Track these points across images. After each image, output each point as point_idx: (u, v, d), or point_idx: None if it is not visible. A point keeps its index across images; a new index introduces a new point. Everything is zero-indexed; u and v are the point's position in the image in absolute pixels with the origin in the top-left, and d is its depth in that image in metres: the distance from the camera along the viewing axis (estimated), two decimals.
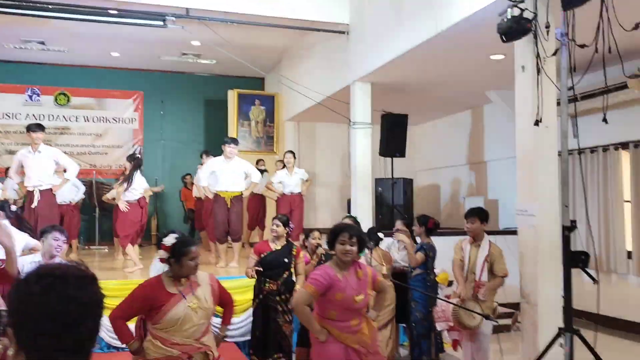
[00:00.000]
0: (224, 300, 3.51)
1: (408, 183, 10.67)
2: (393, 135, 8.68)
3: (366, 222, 7.74)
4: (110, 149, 11.82)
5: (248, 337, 5.80)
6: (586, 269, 3.90)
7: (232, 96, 11.28)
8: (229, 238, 7.46)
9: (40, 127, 6.83)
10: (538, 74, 4.51)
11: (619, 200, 7.28)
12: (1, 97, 11.14)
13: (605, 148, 7.43)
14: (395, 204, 9.56)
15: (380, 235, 5.61)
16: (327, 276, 3.39)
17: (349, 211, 8.56)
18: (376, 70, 7.49)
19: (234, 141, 7.54)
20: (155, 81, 12.17)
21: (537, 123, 4.51)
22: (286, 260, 5.09)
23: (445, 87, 8.62)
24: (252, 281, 5.28)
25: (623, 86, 6.35)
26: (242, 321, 5.89)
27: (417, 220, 5.64)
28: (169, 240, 3.16)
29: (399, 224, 5.73)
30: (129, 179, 7.36)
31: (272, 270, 5.08)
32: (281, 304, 5.04)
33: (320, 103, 8.97)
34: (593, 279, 3.92)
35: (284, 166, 8.66)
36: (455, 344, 5.05)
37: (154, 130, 12.14)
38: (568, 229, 3.94)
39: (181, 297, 3.14)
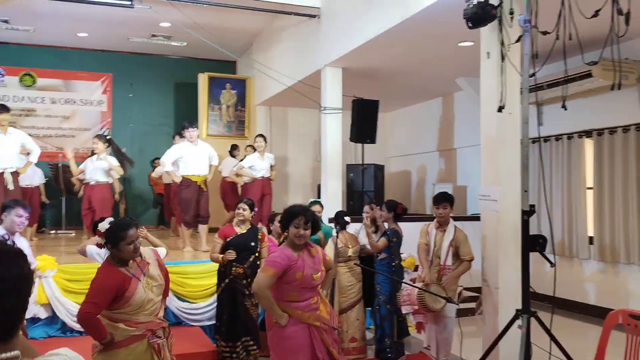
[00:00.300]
0: (163, 272, 3.42)
1: (379, 169, 10.75)
2: (364, 121, 8.69)
3: (336, 207, 7.77)
4: (77, 132, 11.61)
5: (214, 322, 5.79)
6: (544, 252, 3.98)
7: (203, 79, 11.15)
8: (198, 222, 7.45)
9: (5, 109, 6.66)
10: (502, 61, 4.57)
11: (581, 188, 7.44)
12: None
13: (569, 136, 7.57)
14: (365, 190, 9.61)
15: (347, 219, 5.71)
16: (285, 257, 3.40)
17: (319, 196, 8.58)
18: (347, 55, 7.47)
19: (193, 124, 7.45)
20: (124, 63, 11.95)
21: (500, 109, 4.57)
22: (253, 244, 5.08)
23: (415, 74, 8.66)
24: (217, 266, 5.26)
25: (587, 75, 6.45)
26: (207, 305, 5.87)
27: (385, 206, 5.67)
28: (104, 225, 3.13)
29: (367, 208, 5.76)
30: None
31: (239, 254, 5.06)
32: (248, 288, 5.03)
33: (291, 87, 8.93)
34: (550, 262, 4.00)
35: (255, 150, 8.61)
36: (419, 326, 5.13)
37: (122, 113, 11.95)
38: (527, 214, 4.01)
39: (136, 280, 3.10)
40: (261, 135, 8.48)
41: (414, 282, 5.10)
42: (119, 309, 3.05)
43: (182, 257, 6.80)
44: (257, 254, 5.06)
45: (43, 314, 5.55)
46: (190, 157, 7.41)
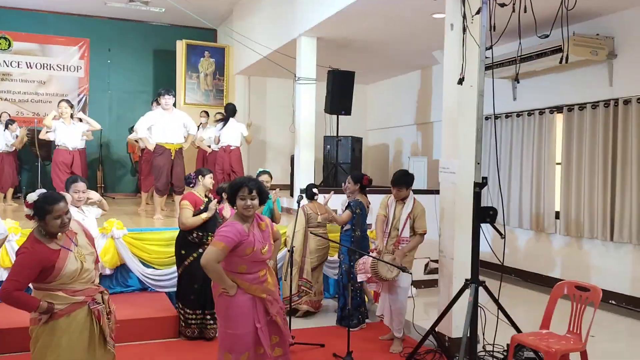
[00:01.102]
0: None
1: (357, 141, 10.74)
2: (339, 92, 8.67)
3: (308, 179, 7.83)
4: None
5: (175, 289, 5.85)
6: (494, 224, 4.05)
7: (181, 47, 11.03)
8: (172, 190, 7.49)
9: None
10: (464, 33, 4.56)
11: (551, 163, 7.51)
12: None
13: (541, 111, 7.61)
14: (340, 162, 9.63)
15: (315, 190, 5.86)
16: (237, 232, 3.37)
17: (292, 167, 8.60)
18: (321, 23, 7.41)
19: (169, 91, 7.39)
20: (102, 28, 11.79)
21: (460, 82, 4.58)
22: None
23: (392, 46, 8.62)
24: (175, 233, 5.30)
25: (558, 50, 6.45)
26: (173, 272, 5.90)
27: (350, 178, 5.71)
28: (32, 197, 3.03)
29: (348, 179, 5.79)
30: None
31: (211, 223, 5.07)
32: None
33: (267, 58, 8.86)
34: (500, 233, 4.07)
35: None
36: (376, 295, 5.22)
37: (100, 79, 11.81)
38: (478, 185, 4.07)
39: (66, 251, 3.05)
40: (229, 105, 8.50)
41: (371, 252, 5.19)
42: (52, 281, 2.99)
43: (151, 225, 6.82)
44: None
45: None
46: (164, 125, 7.38)
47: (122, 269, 5.95)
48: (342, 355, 4.62)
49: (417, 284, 6.67)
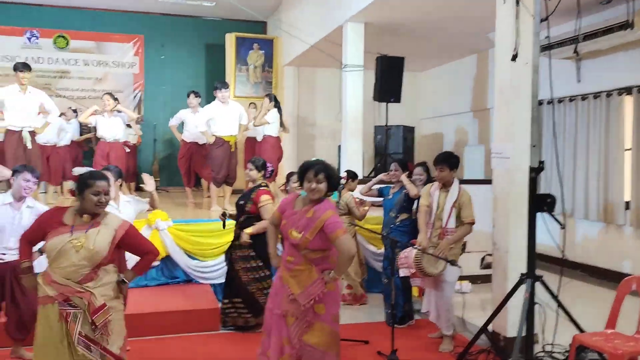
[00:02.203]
0: (139, 250, 3.23)
1: (409, 131, 10.42)
2: (388, 79, 8.36)
3: (356, 169, 7.56)
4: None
5: (223, 280, 5.78)
6: (552, 213, 3.69)
7: (230, 40, 11.00)
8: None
9: (27, 67, 6.69)
10: (517, 5, 4.18)
11: (619, 149, 6.92)
12: (0, 39, 11.02)
13: (608, 93, 7.03)
14: (391, 152, 9.33)
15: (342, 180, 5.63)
16: (286, 200, 3.44)
17: (338, 157, 8.39)
18: (368, 7, 7.10)
19: (225, 84, 7.38)
20: (156, 24, 11.92)
21: (514, 58, 4.21)
22: (242, 202, 5.00)
23: (444, 28, 8.21)
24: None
25: (624, 25, 5.91)
26: (216, 264, 5.85)
27: (398, 164, 5.44)
28: (79, 170, 3.08)
29: (394, 166, 5.52)
30: None
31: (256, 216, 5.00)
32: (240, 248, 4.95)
33: (315, 46, 8.67)
34: (560, 223, 3.71)
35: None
36: (420, 290, 4.92)
37: (154, 75, 11.97)
38: (535, 170, 3.72)
39: (69, 230, 2.97)
40: (267, 95, 8.36)
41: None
42: (45, 252, 3.08)
43: (195, 215, 6.78)
44: (248, 214, 4.92)
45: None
46: (221, 118, 7.40)
47: (167, 261, 5.92)
48: (386, 353, 4.36)
49: (473, 279, 6.30)
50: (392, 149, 10.01)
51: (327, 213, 3.23)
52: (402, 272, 4.62)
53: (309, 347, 3.24)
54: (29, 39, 11.22)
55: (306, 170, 3.31)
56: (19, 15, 11.18)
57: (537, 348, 4.45)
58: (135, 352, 4.35)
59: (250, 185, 5.26)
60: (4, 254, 4.08)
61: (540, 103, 7.83)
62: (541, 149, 7.20)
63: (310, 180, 3.27)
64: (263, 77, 11.13)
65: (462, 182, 4.80)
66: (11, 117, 6.69)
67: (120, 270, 3.96)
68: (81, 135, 9.83)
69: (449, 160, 4.67)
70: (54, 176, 8.46)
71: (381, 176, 5.68)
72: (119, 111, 7.92)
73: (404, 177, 5.25)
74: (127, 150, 9.21)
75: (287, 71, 11.17)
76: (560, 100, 7.57)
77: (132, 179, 9.69)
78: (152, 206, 4.63)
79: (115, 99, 7.76)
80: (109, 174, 4.27)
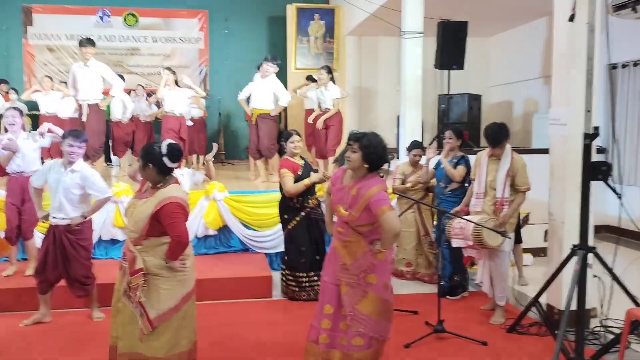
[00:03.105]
0: (165, 230, 3.21)
1: (474, 99, 10.08)
2: (450, 45, 8.06)
3: (415, 139, 7.41)
4: (178, 69, 11.87)
5: (278, 250, 5.90)
6: (607, 181, 3.48)
7: (291, 11, 10.98)
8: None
9: (90, 42, 6.99)
10: None
11: None
12: (74, 19, 11.56)
13: None
14: (455, 122, 9.06)
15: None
16: (336, 175, 3.42)
17: (397, 128, 8.24)
18: None
19: (275, 59, 7.36)
20: None
21: (571, 18, 3.94)
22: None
23: None
24: (277, 196, 5.27)
25: None
26: (272, 234, 5.97)
27: (452, 132, 5.28)
28: (164, 145, 3.22)
29: (447, 134, 5.39)
30: None
31: (311, 188, 5.07)
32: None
33: (374, 15, 8.48)
34: (616, 192, 3.49)
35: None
36: (468, 260, 4.79)
37: (219, 49, 12.18)
38: (589, 137, 3.50)
39: (140, 194, 3.28)
40: (324, 67, 8.23)
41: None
42: None
43: (251, 187, 6.92)
44: None
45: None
46: (254, 92, 7.48)
47: (224, 230, 6.11)
48: (434, 324, 4.32)
49: (535, 252, 6.08)
50: (456, 118, 9.73)
51: (371, 190, 3.14)
52: (456, 243, 4.51)
53: (363, 315, 3.25)
54: (101, 17, 11.71)
55: (347, 140, 3.35)
56: None
57: (595, 322, 4.28)
58: None
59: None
60: (55, 217, 4.35)
61: (614, 67, 7.37)
62: (614, 114, 6.80)
63: (347, 149, 3.27)
64: (324, 48, 11.06)
65: (533, 151, 4.63)
66: (77, 92, 7.04)
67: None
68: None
69: (504, 136, 4.46)
70: (118, 150, 8.85)
71: (429, 154, 5.41)
72: (189, 87, 8.08)
73: (445, 161, 5.12)
74: (191, 124, 9.49)
75: (348, 41, 11.04)
76: (635, 64, 7.04)
77: (203, 151, 10.01)
78: (209, 176, 4.75)
79: (174, 72, 7.90)
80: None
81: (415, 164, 5.70)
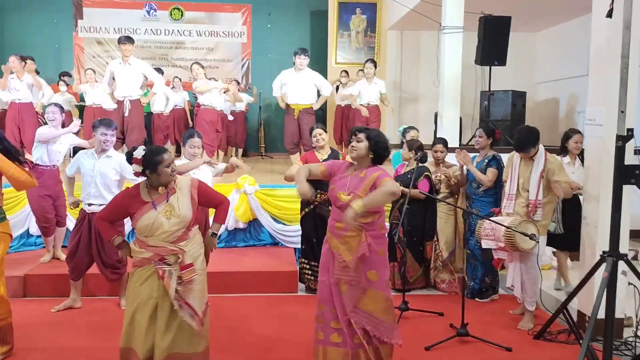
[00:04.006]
0: (212, 203, 3.45)
1: (519, 96, 9.78)
2: (492, 41, 7.85)
3: (452, 137, 7.28)
4: (221, 63, 12.21)
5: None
6: None
7: (333, 5, 10.94)
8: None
9: (129, 39, 7.16)
10: None
11: None
12: (122, 12, 11.85)
13: None
14: (497, 119, 8.83)
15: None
16: (336, 164, 3.44)
17: (435, 124, 8.10)
18: None
19: (304, 52, 7.32)
20: None
21: (609, 14, 3.75)
22: None
23: None
24: None
25: None
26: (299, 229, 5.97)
27: (482, 130, 5.13)
28: (140, 152, 3.15)
29: (478, 132, 5.24)
30: None
31: (322, 181, 5.02)
32: None
33: (414, 10, 8.36)
34: None
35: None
36: (498, 262, 4.65)
37: (261, 43, 12.24)
38: (622, 139, 3.33)
39: (151, 206, 3.16)
40: (371, 61, 8.15)
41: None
42: (135, 229, 3.22)
43: (283, 181, 6.91)
44: None
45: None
46: (291, 86, 7.42)
47: (255, 224, 6.17)
48: (459, 326, 4.22)
49: (573, 255, 5.86)
50: (499, 116, 9.49)
51: (378, 172, 3.25)
52: (486, 244, 4.39)
53: (366, 314, 3.23)
54: (148, 12, 11.96)
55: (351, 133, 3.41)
56: None
57: (628, 332, 4.10)
58: (214, 307, 4.61)
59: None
60: (90, 204, 4.48)
61: None
62: None
63: (352, 140, 3.33)
64: (365, 43, 10.97)
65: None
66: (117, 89, 7.23)
67: (206, 226, 4.25)
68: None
69: (533, 140, 4.31)
70: (158, 141, 9.05)
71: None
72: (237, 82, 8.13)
73: (472, 167, 4.94)
74: (231, 118, 9.63)
75: (390, 35, 10.92)
76: None
77: (241, 144, 10.16)
78: (229, 170, 4.82)
79: (203, 67, 7.96)
80: (197, 141, 4.53)
81: (438, 162, 5.48)
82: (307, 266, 5.14)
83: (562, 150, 4.99)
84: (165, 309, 3.14)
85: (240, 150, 10.51)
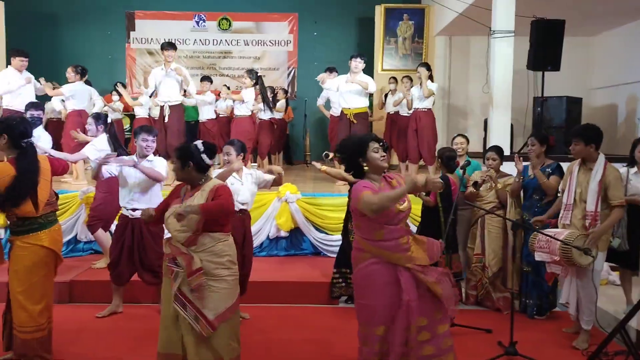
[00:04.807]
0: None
1: (574, 102, 9.37)
2: (545, 45, 7.51)
3: (503, 145, 6.98)
4: (267, 72, 12.25)
5: None
6: None
7: (379, 12, 10.81)
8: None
9: (172, 46, 7.22)
10: None
11: None
12: (172, 24, 12.07)
13: None
14: (547, 126, 8.47)
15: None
16: (368, 184, 3.11)
17: (484, 132, 7.83)
18: None
19: (361, 55, 7.21)
20: (309, 1, 12.15)
21: None
22: None
23: None
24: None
25: None
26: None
27: (534, 138, 4.87)
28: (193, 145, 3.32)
29: (530, 141, 4.99)
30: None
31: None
32: None
33: (463, 14, 8.13)
34: None
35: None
36: (552, 277, 4.38)
37: (307, 51, 12.23)
38: None
39: (179, 200, 3.26)
40: (424, 64, 7.95)
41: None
42: None
43: (326, 190, 6.82)
44: None
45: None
46: (344, 90, 7.30)
47: (296, 232, 6.08)
48: (507, 345, 3.99)
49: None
50: (553, 123, 9.12)
51: (401, 176, 3.27)
52: (539, 257, 4.13)
53: None
54: (197, 22, 12.17)
55: (367, 143, 3.14)
56: (189, 0, 12.14)
57: None
58: (252, 318, 4.56)
59: None
60: (135, 210, 4.49)
61: None
62: None
63: (377, 150, 3.14)
64: (412, 49, 10.79)
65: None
66: (158, 94, 7.32)
67: (245, 241, 4.33)
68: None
69: (584, 134, 4.07)
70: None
71: (519, 165, 4.83)
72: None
73: (537, 172, 4.67)
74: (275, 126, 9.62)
75: (438, 41, 10.70)
76: None
77: (281, 151, 10.17)
78: (278, 183, 4.70)
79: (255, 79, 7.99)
80: (231, 148, 4.48)
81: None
82: (339, 274, 5.01)
83: (631, 161, 4.68)
84: (178, 309, 3.19)
85: (280, 156, 10.50)
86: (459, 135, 5.69)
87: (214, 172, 4.13)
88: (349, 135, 3.60)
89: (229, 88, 9.82)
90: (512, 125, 7.81)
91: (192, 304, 3.13)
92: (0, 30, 10.64)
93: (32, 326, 3.47)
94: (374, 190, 3.05)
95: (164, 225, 3.34)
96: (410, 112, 8.11)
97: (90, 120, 5.37)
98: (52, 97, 8.12)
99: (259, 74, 8.12)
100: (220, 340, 3.17)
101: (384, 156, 3.17)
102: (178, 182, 3.55)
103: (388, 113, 9.29)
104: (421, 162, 8.30)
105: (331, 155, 4.84)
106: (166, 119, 7.12)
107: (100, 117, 5.43)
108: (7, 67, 7.67)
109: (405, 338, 3.06)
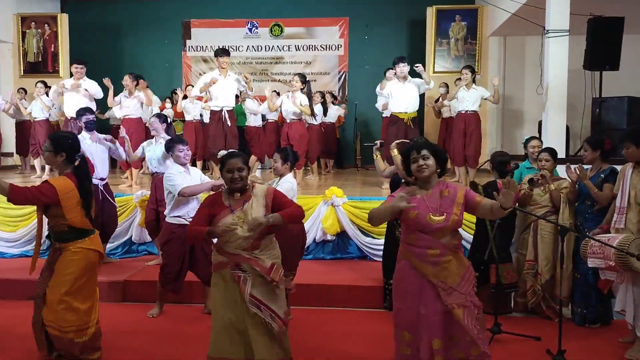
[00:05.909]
0: (282, 207, 3.37)
1: (636, 102, 8.95)
2: (602, 44, 7.25)
3: (558, 148, 6.76)
4: (318, 76, 12.35)
5: None
6: None
7: (431, 13, 10.69)
8: None
9: (225, 52, 7.43)
10: None
11: None
12: (226, 31, 12.36)
13: None
14: (606, 128, 8.14)
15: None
16: (398, 194, 3.14)
17: (539, 133, 7.60)
18: None
19: (402, 59, 7.20)
20: (359, 5, 12.15)
21: None
22: None
23: None
24: None
25: None
26: None
27: (587, 143, 4.67)
28: (222, 153, 3.36)
29: (585, 146, 4.80)
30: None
31: None
32: None
33: (515, 14, 7.93)
34: None
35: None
36: (606, 284, 4.18)
37: (358, 55, 12.25)
38: None
39: (229, 211, 3.28)
40: (468, 67, 7.84)
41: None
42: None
43: (373, 193, 6.81)
44: None
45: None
46: (397, 95, 7.31)
47: (342, 236, 6.09)
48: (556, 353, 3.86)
49: None
50: (614, 124, 8.74)
51: (460, 186, 3.20)
52: (592, 263, 3.98)
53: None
54: (250, 29, 12.41)
55: (409, 151, 3.18)
56: (241, 8, 12.40)
57: None
58: (297, 320, 4.59)
59: None
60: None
61: None
62: None
63: (416, 160, 3.13)
64: (465, 50, 10.60)
65: None
66: (214, 99, 7.53)
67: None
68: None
69: (633, 136, 3.89)
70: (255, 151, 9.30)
71: (572, 175, 4.64)
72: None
73: (588, 182, 4.45)
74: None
75: (491, 42, 10.48)
76: None
77: (331, 156, 10.20)
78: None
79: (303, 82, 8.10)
80: (278, 156, 4.51)
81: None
82: (386, 285, 4.95)
83: None
84: (247, 314, 3.23)
85: (331, 162, 10.54)
86: (533, 138, 5.48)
87: (255, 173, 4.22)
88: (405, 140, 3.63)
89: (278, 94, 9.92)
90: (567, 127, 7.55)
91: (265, 305, 3.23)
92: (65, 40, 11.25)
93: (80, 325, 3.63)
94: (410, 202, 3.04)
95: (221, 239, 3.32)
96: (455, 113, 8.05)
97: (153, 119, 5.64)
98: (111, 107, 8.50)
99: (307, 79, 8.22)
100: (286, 339, 3.32)
101: (420, 166, 3.13)
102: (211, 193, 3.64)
103: (442, 117, 9.19)
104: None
105: (378, 143, 5.04)
106: (228, 123, 7.35)
107: (162, 117, 5.69)
108: (70, 76, 8.11)
109: (430, 350, 3.07)
